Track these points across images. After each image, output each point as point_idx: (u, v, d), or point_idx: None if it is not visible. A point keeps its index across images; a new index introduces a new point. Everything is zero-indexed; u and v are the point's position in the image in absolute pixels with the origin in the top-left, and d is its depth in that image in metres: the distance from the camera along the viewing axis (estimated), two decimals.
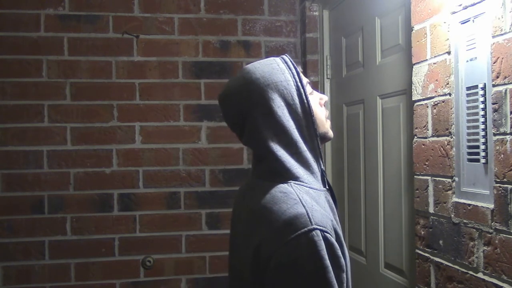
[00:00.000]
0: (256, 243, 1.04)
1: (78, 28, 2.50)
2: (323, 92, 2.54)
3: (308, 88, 1.16)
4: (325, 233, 1.00)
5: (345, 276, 1.03)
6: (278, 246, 1.00)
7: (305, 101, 1.12)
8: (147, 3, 2.56)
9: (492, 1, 1.17)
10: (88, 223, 2.49)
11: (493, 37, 1.17)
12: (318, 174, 1.13)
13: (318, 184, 1.12)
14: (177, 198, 2.58)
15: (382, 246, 1.95)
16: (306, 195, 1.06)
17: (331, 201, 1.15)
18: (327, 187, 1.16)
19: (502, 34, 1.14)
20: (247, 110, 1.12)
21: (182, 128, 2.59)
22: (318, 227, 0.99)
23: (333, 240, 1.01)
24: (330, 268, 0.98)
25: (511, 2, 1.12)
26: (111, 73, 2.53)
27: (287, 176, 1.09)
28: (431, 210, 1.44)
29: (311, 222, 0.99)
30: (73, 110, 2.50)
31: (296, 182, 1.09)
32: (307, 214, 1.01)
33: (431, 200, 1.44)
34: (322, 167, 1.15)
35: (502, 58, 1.14)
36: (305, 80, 1.15)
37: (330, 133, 1.20)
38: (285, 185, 1.08)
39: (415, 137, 1.53)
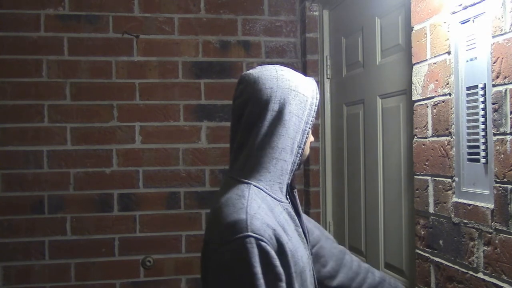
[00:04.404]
0: (207, 239, 1.15)
1: (78, 28, 2.50)
2: (323, 92, 2.55)
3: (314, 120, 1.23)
4: (260, 241, 1.04)
5: (284, 285, 1.07)
6: (216, 247, 1.08)
7: (310, 122, 1.19)
8: (147, 3, 2.56)
9: (492, 1, 1.17)
10: (88, 223, 2.49)
11: (493, 37, 1.17)
12: (284, 186, 1.18)
13: (281, 195, 1.17)
14: (177, 198, 2.58)
15: (382, 246, 1.95)
16: (259, 201, 1.11)
17: (292, 213, 1.19)
18: (288, 201, 1.20)
19: (502, 34, 1.14)
20: (265, 99, 1.15)
21: (182, 128, 2.59)
22: (254, 235, 1.04)
23: (269, 248, 1.05)
24: (260, 275, 1.03)
25: (511, 2, 1.12)
26: (111, 73, 2.53)
27: (253, 175, 1.14)
28: (431, 210, 1.44)
29: (247, 229, 1.04)
30: (73, 110, 2.50)
31: (258, 185, 1.14)
32: (246, 221, 1.05)
33: (431, 200, 1.44)
34: (288, 181, 1.19)
35: (502, 58, 1.14)
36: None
37: (302, 165, 1.29)
38: (245, 188, 1.13)
39: (415, 137, 1.53)
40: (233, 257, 1.04)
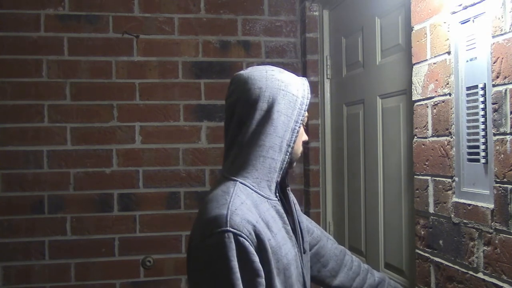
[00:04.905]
0: (191, 234, 1.20)
1: (78, 28, 2.50)
2: (323, 92, 2.55)
3: (305, 119, 1.24)
4: (238, 237, 1.06)
5: (262, 281, 1.08)
6: (197, 241, 1.11)
7: (300, 121, 1.20)
8: (147, 3, 2.56)
9: (492, 1, 1.17)
10: (88, 223, 2.49)
11: (493, 37, 1.17)
12: (273, 184, 1.19)
13: (269, 192, 1.19)
14: (177, 198, 2.58)
15: (382, 246, 1.95)
16: (243, 197, 1.13)
17: (281, 210, 1.20)
18: (277, 198, 1.21)
19: (502, 34, 1.14)
20: (253, 98, 1.17)
21: (182, 128, 2.59)
22: (232, 230, 1.06)
23: (247, 244, 1.06)
24: (236, 270, 1.05)
25: (511, 2, 1.12)
26: (111, 73, 2.53)
27: (240, 172, 1.17)
28: (431, 210, 1.44)
29: (226, 224, 1.07)
30: (73, 110, 2.50)
31: (244, 182, 1.16)
32: (226, 216, 1.08)
33: (431, 200, 1.44)
34: (278, 178, 1.20)
35: (502, 58, 1.14)
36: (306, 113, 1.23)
37: (294, 164, 1.29)
38: (230, 184, 1.16)
39: (415, 137, 1.53)
40: (211, 251, 1.07)
